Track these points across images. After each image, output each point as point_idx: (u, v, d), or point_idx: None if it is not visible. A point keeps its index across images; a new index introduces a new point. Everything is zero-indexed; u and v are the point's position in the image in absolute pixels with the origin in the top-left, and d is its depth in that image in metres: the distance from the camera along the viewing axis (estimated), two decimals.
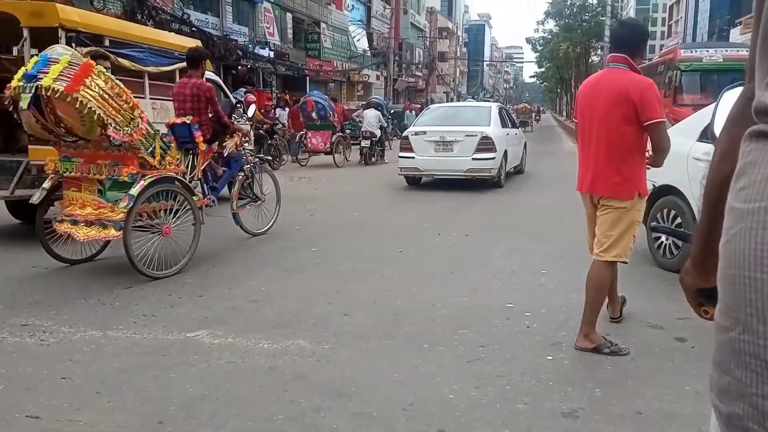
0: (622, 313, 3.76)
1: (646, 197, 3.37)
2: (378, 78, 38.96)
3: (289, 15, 29.11)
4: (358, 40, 38.20)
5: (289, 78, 28.84)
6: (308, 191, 10.02)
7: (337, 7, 34.43)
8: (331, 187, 10.79)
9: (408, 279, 4.74)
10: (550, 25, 36.37)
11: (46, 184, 4.83)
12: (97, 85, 4.25)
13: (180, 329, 3.64)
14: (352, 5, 37.92)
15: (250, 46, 24.33)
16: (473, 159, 9.76)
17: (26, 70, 4.31)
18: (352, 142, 16.08)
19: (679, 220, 4.58)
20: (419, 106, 32.16)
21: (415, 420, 2.58)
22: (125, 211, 4.48)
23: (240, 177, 5.94)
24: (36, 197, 4.81)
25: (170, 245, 4.90)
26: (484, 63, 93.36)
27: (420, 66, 51.63)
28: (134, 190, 4.52)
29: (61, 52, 4.36)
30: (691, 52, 21.49)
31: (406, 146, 10.32)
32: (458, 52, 75.29)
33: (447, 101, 65.01)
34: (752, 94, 0.66)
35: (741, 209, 0.60)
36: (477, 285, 4.59)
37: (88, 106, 4.18)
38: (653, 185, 4.46)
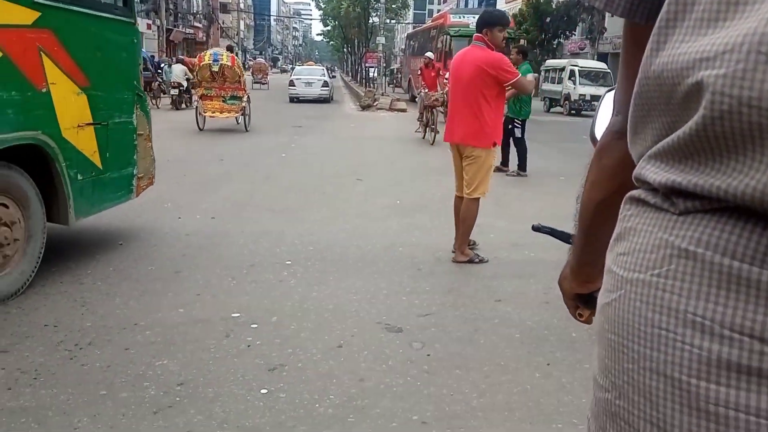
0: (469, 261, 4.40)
1: (499, 146, 4.52)
2: (149, 27, 35.08)
3: None
4: None
5: None
6: None
7: None
8: None
9: (117, 284, 3.79)
10: None
11: (198, 99, 12.65)
12: (237, 62, 12.51)
13: None
14: None
15: None
16: (321, 89, 23.28)
17: (210, 56, 12.33)
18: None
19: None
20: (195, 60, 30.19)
21: None
22: (244, 104, 12.46)
23: None
24: (195, 104, 13.36)
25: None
26: (271, 17, 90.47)
27: (198, 16, 47.88)
28: (245, 97, 12.46)
29: (220, 51, 12.93)
30: (460, 17, 22.66)
31: (292, 84, 23.36)
32: (242, 4, 71.81)
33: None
34: (620, 129, 0.71)
35: (620, 276, 0.60)
36: (204, 288, 3.81)
37: (236, 70, 12.20)
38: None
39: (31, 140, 3.53)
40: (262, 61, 38.31)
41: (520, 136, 8.50)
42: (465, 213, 4.29)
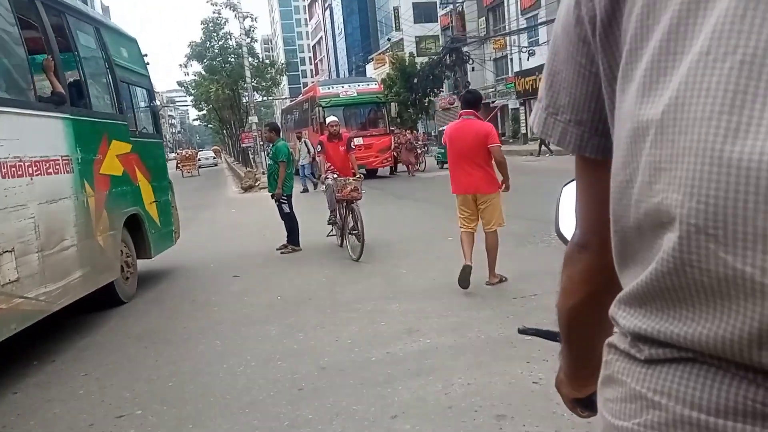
0: (499, 281, 5.53)
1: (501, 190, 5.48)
2: None
3: None
4: None
5: None
6: None
7: None
8: None
9: None
10: (198, 67, 35.16)
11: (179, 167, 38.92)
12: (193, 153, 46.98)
13: None
14: None
15: None
16: (213, 161, 51.00)
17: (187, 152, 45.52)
18: None
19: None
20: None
21: None
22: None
23: None
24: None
25: None
26: None
27: None
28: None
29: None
30: (329, 88, 22.76)
31: (199, 159, 43.69)
32: None
33: None
34: (579, 242, 0.76)
35: (609, 422, 0.64)
36: None
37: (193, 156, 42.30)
38: None
39: (135, 211, 6.50)
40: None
41: (289, 211, 8.36)
42: (490, 245, 5.44)
